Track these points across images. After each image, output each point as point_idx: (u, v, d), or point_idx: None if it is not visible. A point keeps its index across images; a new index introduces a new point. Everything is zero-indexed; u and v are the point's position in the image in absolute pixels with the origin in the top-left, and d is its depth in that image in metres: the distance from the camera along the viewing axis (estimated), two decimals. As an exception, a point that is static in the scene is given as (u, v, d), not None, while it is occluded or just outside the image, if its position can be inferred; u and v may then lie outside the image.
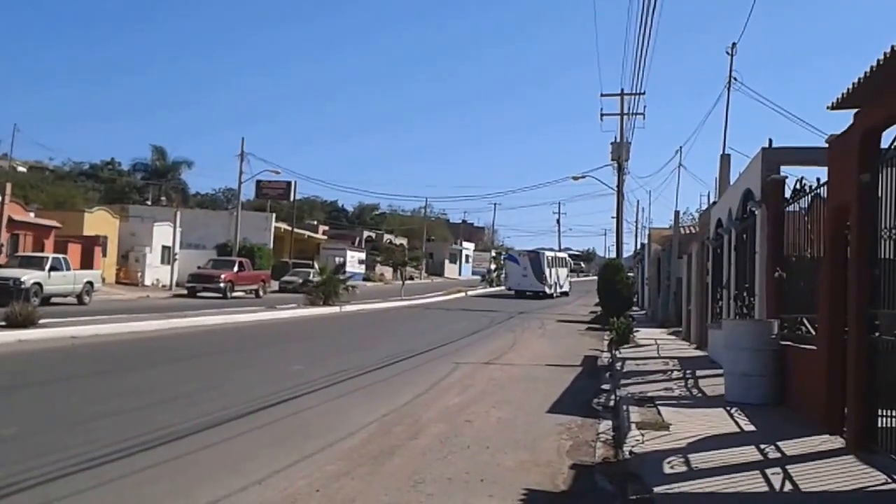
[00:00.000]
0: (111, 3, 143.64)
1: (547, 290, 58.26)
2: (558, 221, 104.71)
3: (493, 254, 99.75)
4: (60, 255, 31.96)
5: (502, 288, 68.96)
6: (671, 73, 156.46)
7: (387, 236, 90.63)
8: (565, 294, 62.75)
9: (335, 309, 33.24)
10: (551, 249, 70.79)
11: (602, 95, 39.35)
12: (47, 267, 29.30)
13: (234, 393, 11.47)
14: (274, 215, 63.53)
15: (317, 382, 12.58)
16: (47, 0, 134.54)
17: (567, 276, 66.78)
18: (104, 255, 42.39)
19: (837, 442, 8.23)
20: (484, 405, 11.35)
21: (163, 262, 46.98)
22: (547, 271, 58.81)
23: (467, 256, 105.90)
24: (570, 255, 77.88)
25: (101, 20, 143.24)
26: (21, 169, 70.99)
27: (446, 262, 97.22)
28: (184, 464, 7.28)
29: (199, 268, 42.78)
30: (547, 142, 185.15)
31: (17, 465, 6.84)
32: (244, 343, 19.99)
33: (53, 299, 29.27)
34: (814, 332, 10.15)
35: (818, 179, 10.20)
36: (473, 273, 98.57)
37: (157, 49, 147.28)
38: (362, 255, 73.68)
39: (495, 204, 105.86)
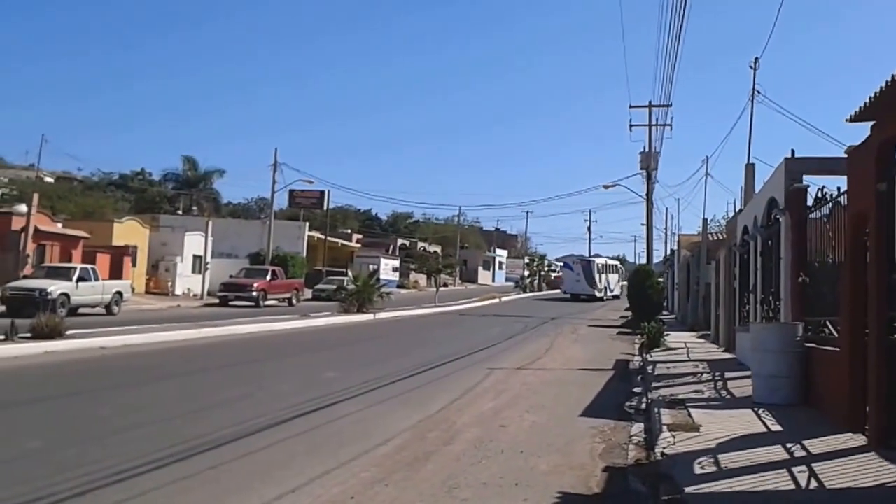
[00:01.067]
0: (143, 8, 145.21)
1: (597, 293, 62.40)
2: (589, 229, 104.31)
3: (527, 260, 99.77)
4: (88, 266, 31.62)
5: (536, 294, 70.87)
6: (698, 85, 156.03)
7: (420, 244, 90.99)
8: (616, 297, 66.49)
9: (369, 316, 33.42)
10: (602, 257, 74.42)
11: (631, 107, 39.58)
12: (75, 277, 28.90)
13: (268, 401, 11.39)
14: (307, 224, 63.82)
15: (351, 390, 12.52)
16: (74, 6, 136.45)
17: (618, 281, 70.19)
18: (134, 265, 42.03)
19: (860, 440, 8.43)
20: (517, 410, 11.41)
21: (194, 271, 46.67)
22: (597, 277, 63.68)
23: (500, 263, 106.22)
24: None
25: (130, 26, 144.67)
26: (48, 179, 71.14)
27: (480, 268, 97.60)
28: (217, 474, 7.20)
29: (231, 277, 42.60)
30: (578, 151, 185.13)
31: (42, 479, 6.67)
32: (277, 351, 19.86)
33: (82, 310, 28.93)
34: (836, 335, 10.39)
35: (839, 188, 10.48)
36: (507, 279, 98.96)
37: (189, 56, 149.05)
38: (396, 263, 74.03)
39: (528, 212, 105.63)
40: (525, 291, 77.05)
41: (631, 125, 39.34)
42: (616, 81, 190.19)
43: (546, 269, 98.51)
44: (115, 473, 6.93)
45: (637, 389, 14.10)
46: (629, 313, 36.53)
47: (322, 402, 11.26)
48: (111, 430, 9.14)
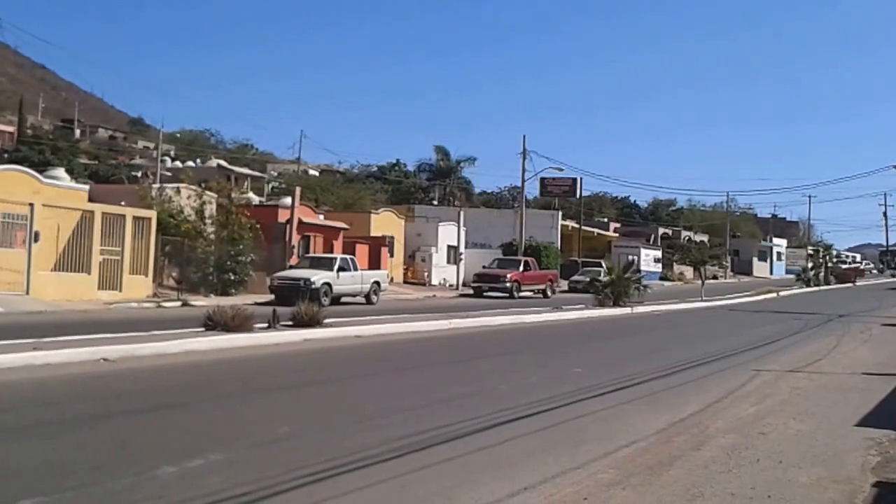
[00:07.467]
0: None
1: None
2: (885, 214, 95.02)
3: (810, 251, 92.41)
4: (348, 256, 32.74)
5: (822, 288, 66.77)
6: None
7: (685, 233, 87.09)
8: None
9: (626, 310, 31.89)
10: None
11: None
12: (336, 267, 29.80)
13: (510, 395, 11.24)
14: (560, 213, 63.56)
15: (597, 387, 12.06)
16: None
17: None
18: (391, 255, 43.44)
19: None
20: (782, 416, 10.37)
21: (448, 261, 47.71)
22: None
23: (779, 254, 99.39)
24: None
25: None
26: (313, 173, 76.33)
27: (755, 259, 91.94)
28: (452, 466, 7.25)
29: (484, 267, 43.17)
30: (868, 126, 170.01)
31: (289, 464, 6.97)
32: (525, 344, 19.64)
33: (343, 299, 29.93)
34: None
35: None
36: (787, 272, 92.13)
37: (437, 45, 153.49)
38: (658, 254, 71.74)
39: (810, 196, 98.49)
40: (808, 285, 70.88)
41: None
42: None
43: (834, 259, 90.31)
44: (354, 461, 7.13)
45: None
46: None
47: (566, 399, 10.97)
48: (355, 418, 9.46)
